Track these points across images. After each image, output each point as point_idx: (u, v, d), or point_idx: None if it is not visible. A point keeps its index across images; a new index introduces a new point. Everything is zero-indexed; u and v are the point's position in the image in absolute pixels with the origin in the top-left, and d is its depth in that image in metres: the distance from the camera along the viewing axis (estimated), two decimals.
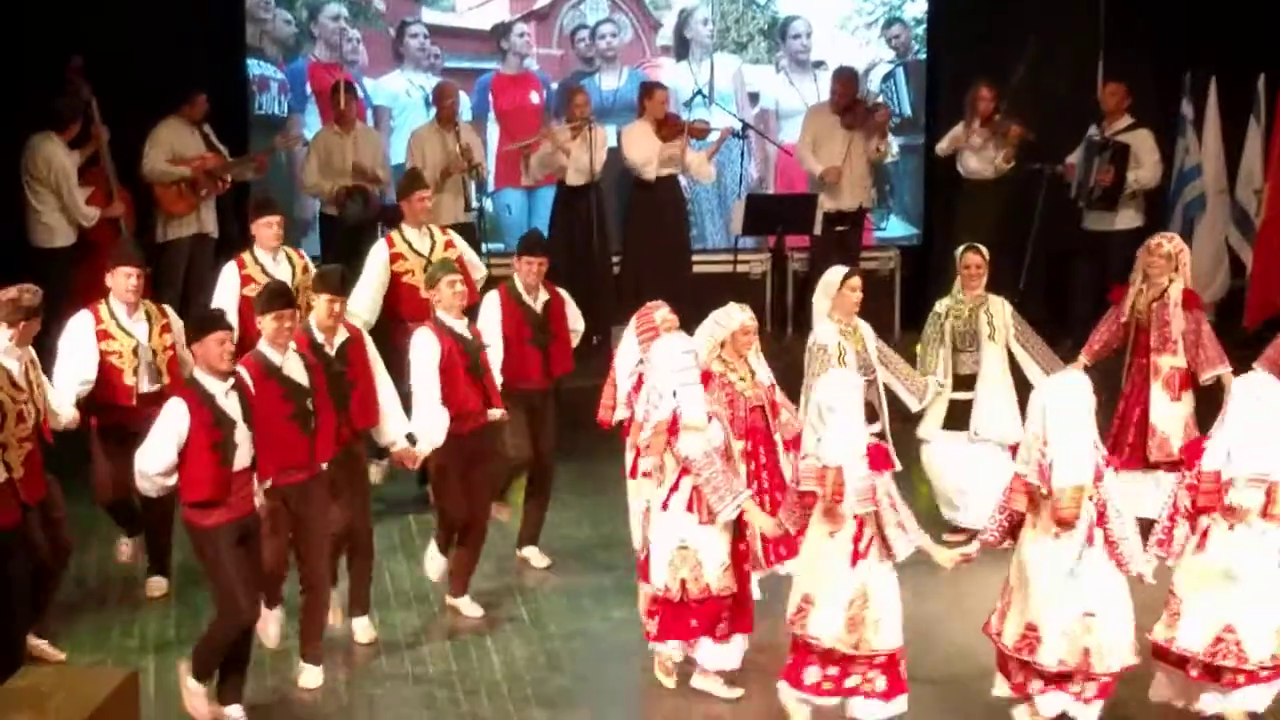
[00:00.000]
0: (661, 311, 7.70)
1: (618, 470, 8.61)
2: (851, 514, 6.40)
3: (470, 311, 8.21)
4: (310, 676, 7.42)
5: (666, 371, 7.07)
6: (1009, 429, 8.54)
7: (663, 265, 11.76)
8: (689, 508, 7.04)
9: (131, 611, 8.12)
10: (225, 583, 6.85)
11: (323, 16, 12.57)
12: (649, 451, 7.13)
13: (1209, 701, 6.81)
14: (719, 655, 7.09)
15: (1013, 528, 6.60)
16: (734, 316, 7.79)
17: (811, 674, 6.70)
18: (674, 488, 7.05)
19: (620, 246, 11.83)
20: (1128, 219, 10.93)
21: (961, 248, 8.86)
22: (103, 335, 8.01)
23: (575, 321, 8.94)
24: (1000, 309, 8.82)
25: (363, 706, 7.42)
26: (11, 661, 7.19)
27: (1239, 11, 12.04)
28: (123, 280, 7.89)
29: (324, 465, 7.35)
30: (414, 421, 7.76)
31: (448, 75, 12.50)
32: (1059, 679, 6.61)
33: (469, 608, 8.28)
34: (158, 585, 8.48)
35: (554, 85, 12.49)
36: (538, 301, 8.38)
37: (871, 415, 8.21)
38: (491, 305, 8.42)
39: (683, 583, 6.97)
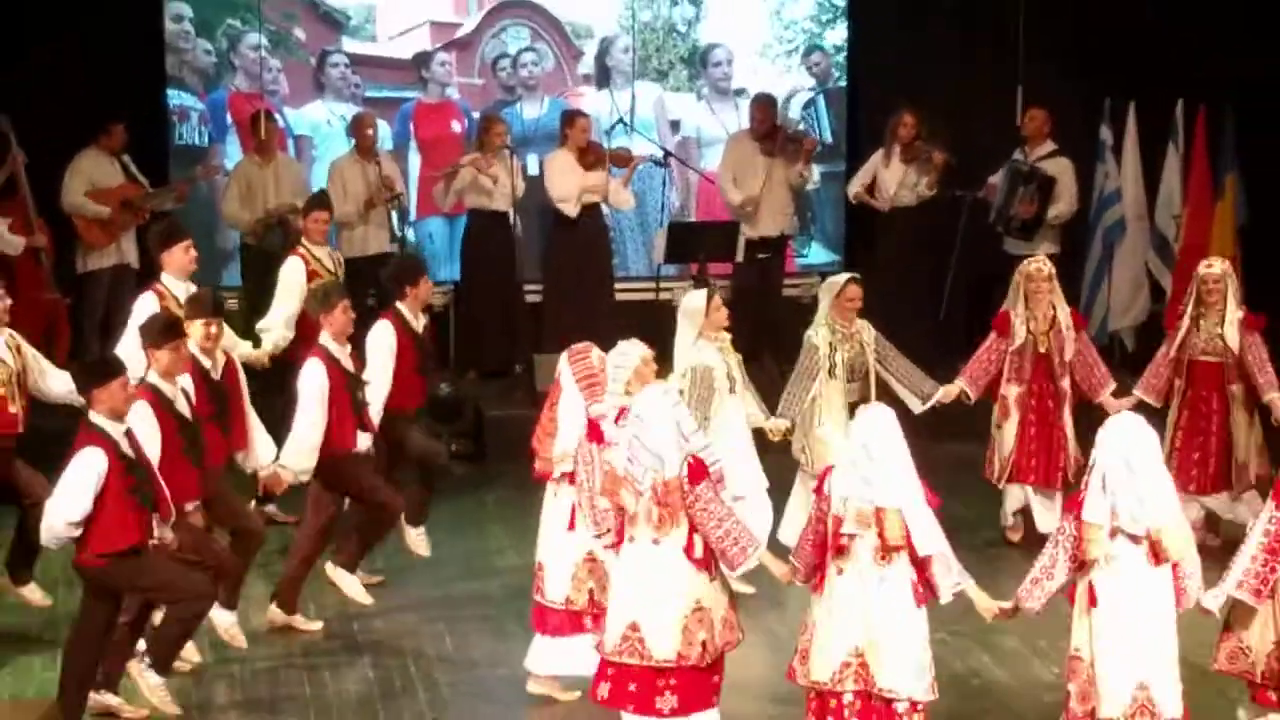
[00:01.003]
0: (619, 357, 7.79)
1: (542, 500, 8.57)
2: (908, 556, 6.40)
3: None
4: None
5: (666, 427, 6.92)
6: None
7: (585, 294, 11.83)
8: (706, 566, 6.88)
9: (53, 645, 8.06)
10: (164, 582, 7.07)
11: (243, 46, 12.62)
12: (666, 509, 6.89)
13: None
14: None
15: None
16: (631, 353, 7.65)
17: None
18: (689, 547, 6.88)
19: (542, 274, 12.03)
20: (1047, 245, 11.12)
21: (844, 278, 8.94)
22: None
23: None
24: (867, 332, 8.94)
25: None
26: None
27: (1157, 39, 12.35)
28: None
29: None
30: (286, 448, 7.88)
31: (369, 104, 12.55)
32: None
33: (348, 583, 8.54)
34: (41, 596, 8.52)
35: (475, 114, 12.62)
36: (420, 326, 8.72)
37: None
38: (384, 334, 8.67)
39: (704, 645, 6.82)
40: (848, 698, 6.38)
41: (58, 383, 7.94)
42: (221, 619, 7.89)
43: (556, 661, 7.56)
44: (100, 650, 7.00)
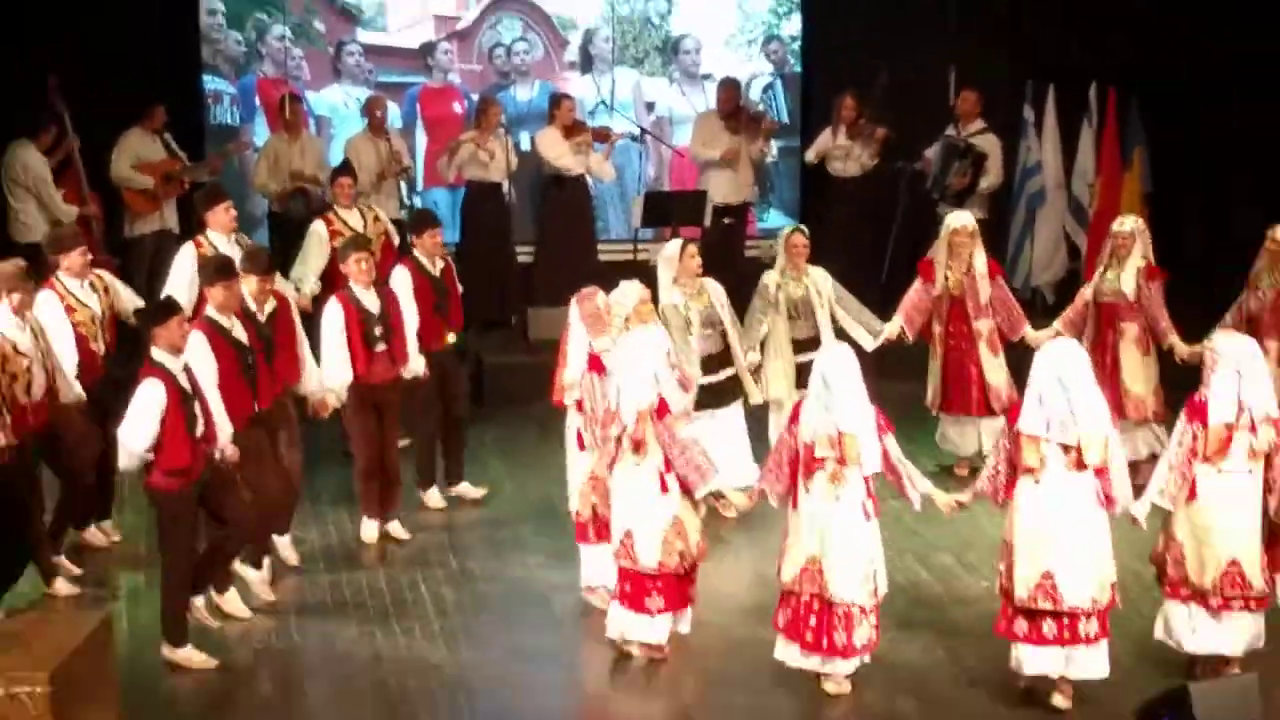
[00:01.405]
0: (620, 295, 8.36)
1: (536, 437, 9.26)
2: (862, 476, 6.90)
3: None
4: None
5: (646, 361, 7.46)
6: None
7: (571, 254, 12.43)
8: (676, 487, 7.52)
9: (97, 563, 8.80)
10: (221, 503, 7.62)
11: (269, 37, 13.44)
12: (637, 433, 7.42)
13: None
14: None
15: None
16: (630, 292, 8.08)
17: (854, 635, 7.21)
18: (667, 468, 7.45)
19: (535, 238, 12.70)
20: (976, 211, 11.62)
21: (788, 229, 9.49)
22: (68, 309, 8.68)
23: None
24: (823, 280, 9.33)
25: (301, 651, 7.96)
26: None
27: (1072, 29, 13.12)
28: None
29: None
30: (323, 374, 8.54)
31: (380, 88, 13.39)
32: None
33: (368, 530, 9.12)
34: (103, 532, 9.12)
35: (474, 96, 13.28)
36: (437, 269, 9.19)
37: (717, 364, 9.23)
38: (402, 276, 9.24)
39: (680, 555, 7.32)
40: (805, 598, 6.94)
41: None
42: (284, 546, 8.72)
43: (587, 572, 8.12)
44: (187, 564, 7.61)
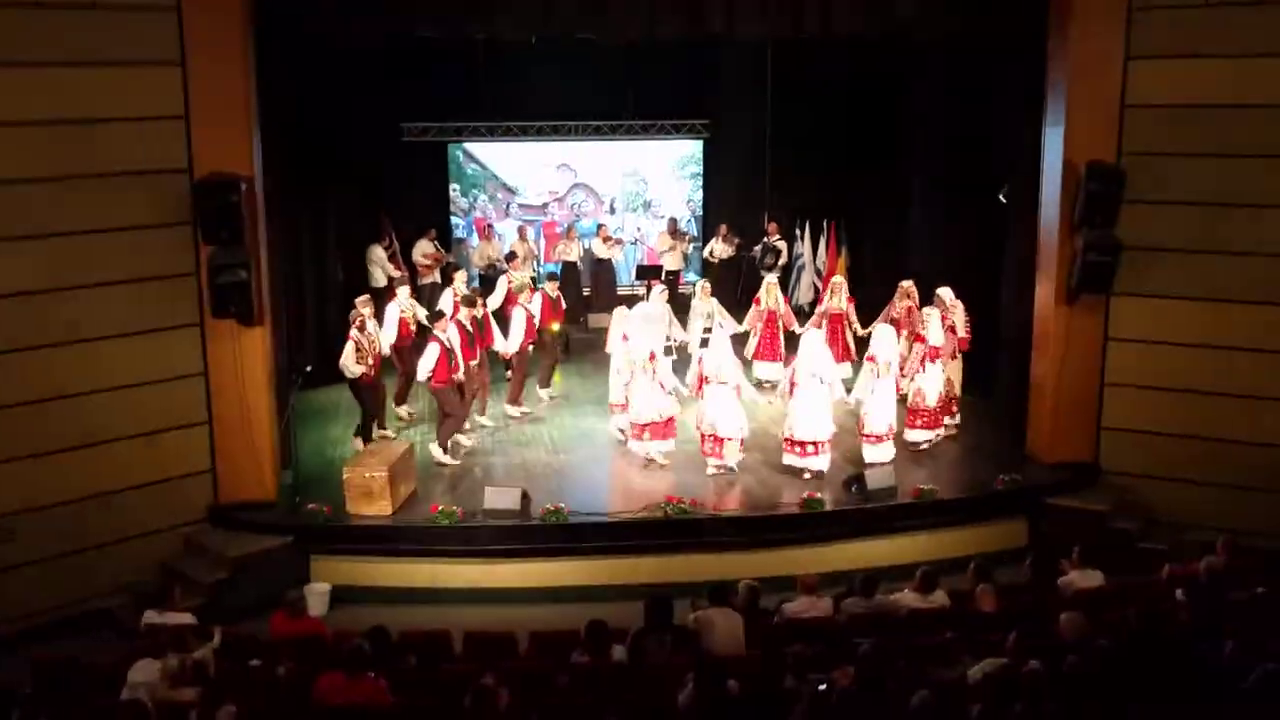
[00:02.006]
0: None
1: (592, 369, 16.15)
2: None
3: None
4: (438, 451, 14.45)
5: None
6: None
7: (605, 290, 19.31)
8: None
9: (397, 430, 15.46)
10: (453, 402, 14.16)
11: (478, 201, 20.20)
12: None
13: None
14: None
15: None
16: (654, 300, 16.08)
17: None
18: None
19: (590, 283, 19.66)
20: (777, 273, 18.55)
21: (701, 280, 16.47)
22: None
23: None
24: (715, 303, 15.32)
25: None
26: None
27: (820, 188, 18.71)
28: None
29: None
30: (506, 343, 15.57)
31: (525, 222, 20.16)
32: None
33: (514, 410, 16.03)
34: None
35: (564, 224, 20.19)
36: (554, 295, 15.67)
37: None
38: (538, 299, 15.59)
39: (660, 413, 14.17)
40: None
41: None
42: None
43: (615, 423, 14.65)
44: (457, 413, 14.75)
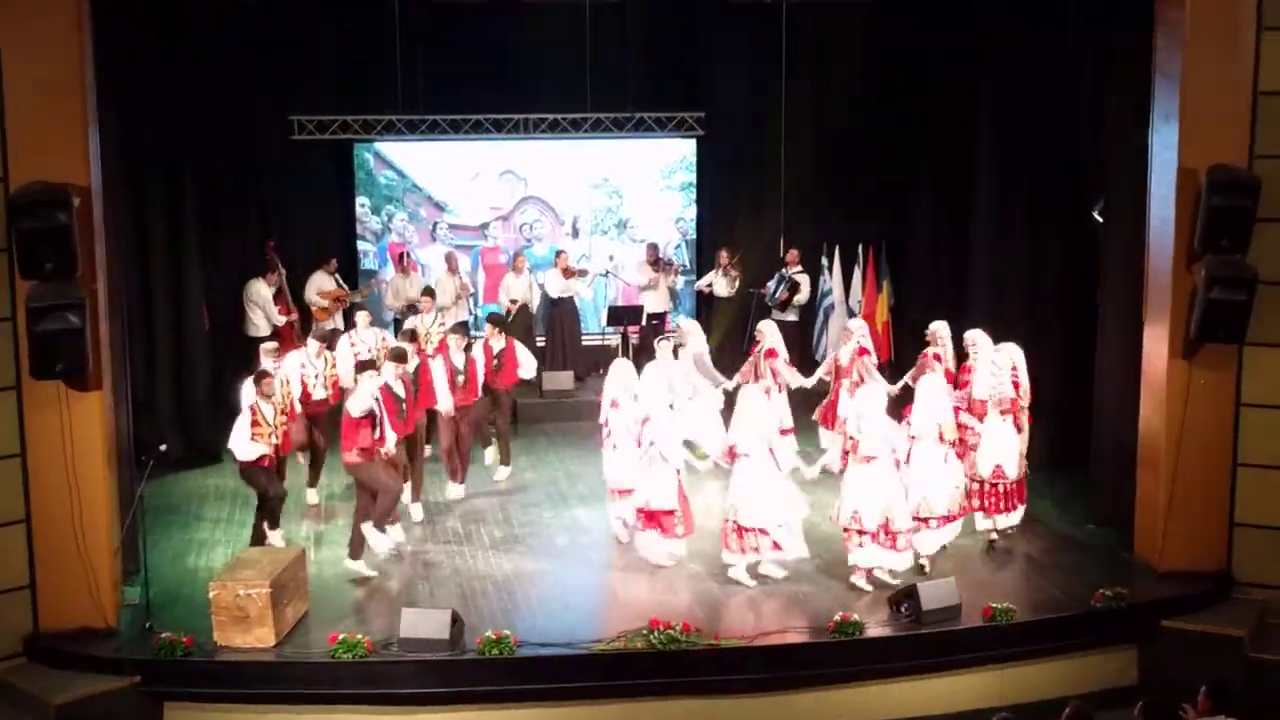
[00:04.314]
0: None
1: (544, 443, 17.04)
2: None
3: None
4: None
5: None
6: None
7: (566, 340, 19.09)
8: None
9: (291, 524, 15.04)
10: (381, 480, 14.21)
11: (394, 221, 19.98)
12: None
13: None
14: None
15: None
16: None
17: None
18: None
19: (545, 332, 19.61)
20: (791, 315, 18.95)
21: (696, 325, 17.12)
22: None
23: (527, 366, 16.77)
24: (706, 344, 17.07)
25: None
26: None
27: (850, 208, 19.37)
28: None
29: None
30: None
31: (456, 248, 19.93)
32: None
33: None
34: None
35: (511, 251, 20.05)
36: (496, 349, 16.21)
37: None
38: (478, 349, 16.09)
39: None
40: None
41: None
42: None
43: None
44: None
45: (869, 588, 12.45)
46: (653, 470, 12.68)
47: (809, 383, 15.39)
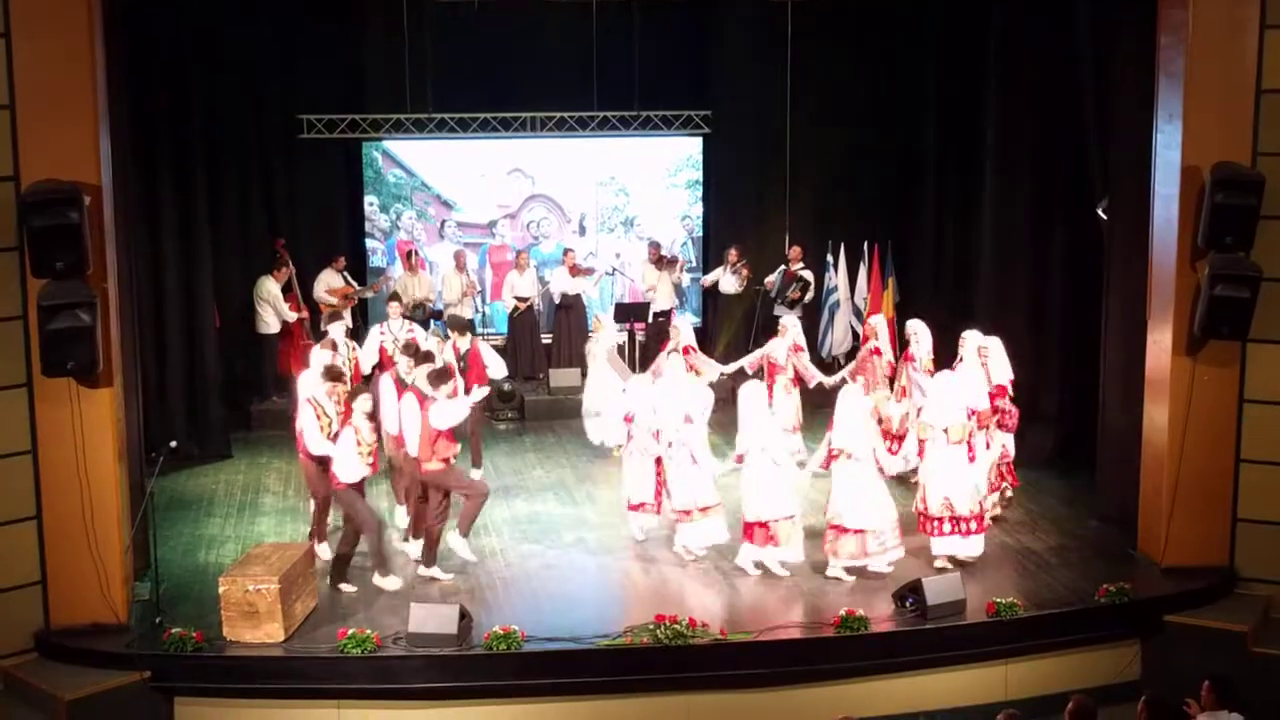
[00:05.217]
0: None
1: (553, 441, 17.10)
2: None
3: None
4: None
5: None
6: None
7: (573, 338, 19.14)
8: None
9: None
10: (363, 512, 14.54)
11: (403, 219, 20.07)
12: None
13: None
14: None
15: None
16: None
17: None
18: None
19: (552, 330, 19.79)
20: (798, 312, 18.80)
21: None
22: None
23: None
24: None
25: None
26: None
27: (854, 204, 19.41)
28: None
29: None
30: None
31: (465, 246, 20.09)
32: None
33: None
34: None
35: (518, 249, 20.06)
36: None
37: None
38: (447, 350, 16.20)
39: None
40: None
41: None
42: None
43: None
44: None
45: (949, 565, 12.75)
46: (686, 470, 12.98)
47: (831, 380, 15.13)
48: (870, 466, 13.19)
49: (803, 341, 15.96)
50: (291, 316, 17.76)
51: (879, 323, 15.79)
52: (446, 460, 12.59)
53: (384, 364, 14.28)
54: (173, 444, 12.73)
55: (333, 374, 13.09)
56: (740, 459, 13.24)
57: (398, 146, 19.59)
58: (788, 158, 19.27)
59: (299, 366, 14.92)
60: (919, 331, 15.10)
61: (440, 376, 12.84)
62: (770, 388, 14.65)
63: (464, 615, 12.00)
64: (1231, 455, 13.23)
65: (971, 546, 13.02)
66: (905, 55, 18.71)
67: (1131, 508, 13.87)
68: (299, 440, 13.12)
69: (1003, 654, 12.37)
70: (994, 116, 16.79)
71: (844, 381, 14.71)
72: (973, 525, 13.05)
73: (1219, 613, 12.88)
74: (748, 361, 15.79)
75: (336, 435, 12.51)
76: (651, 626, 12.02)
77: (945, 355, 14.77)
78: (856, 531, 13.03)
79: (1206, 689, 9.95)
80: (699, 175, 20.25)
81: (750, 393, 13.31)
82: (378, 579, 12.64)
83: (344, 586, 12.63)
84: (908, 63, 18.71)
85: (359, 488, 12.60)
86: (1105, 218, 14.64)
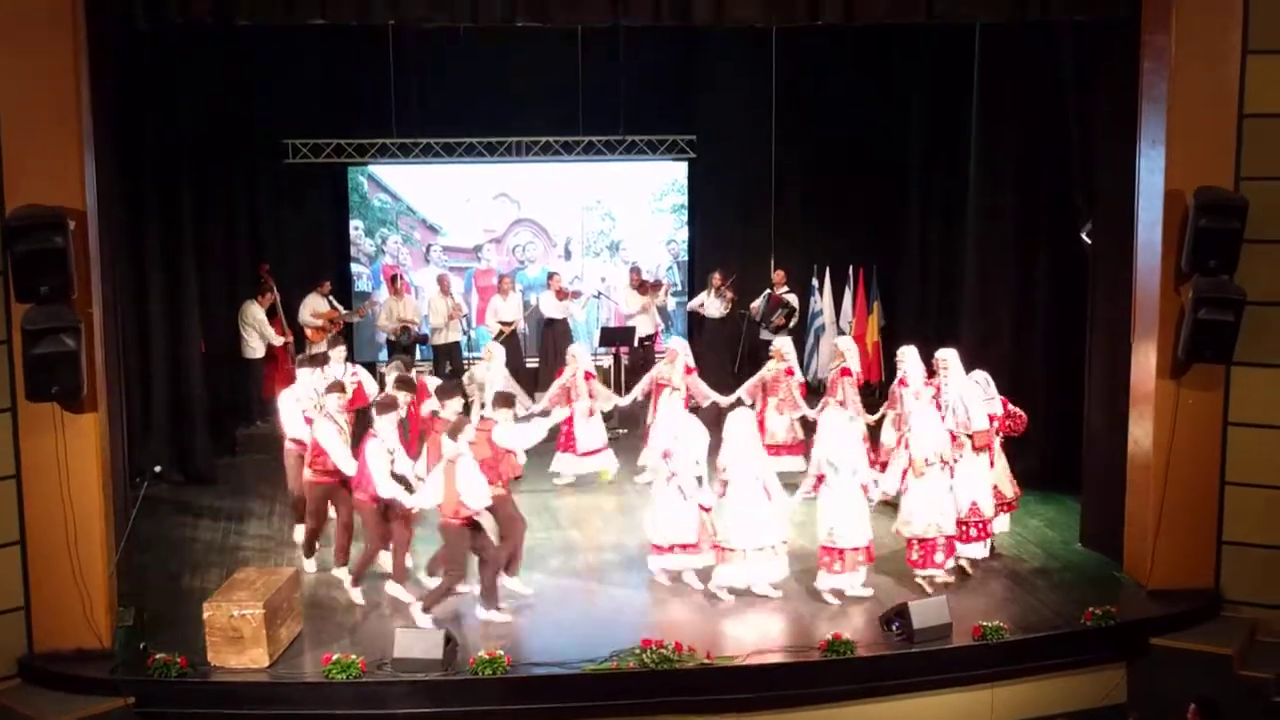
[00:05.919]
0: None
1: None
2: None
3: None
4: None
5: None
6: None
7: (559, 361, 18.24)
8: None
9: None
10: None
11: (388, 243, 20.12)
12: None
13: None
14: None
15: None
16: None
17: None
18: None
19: (538, 353, 19.77)
20: (784, 334, 18.58)
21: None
22: None
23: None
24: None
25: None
26: None
27: (838, 233, 19.55)
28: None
29: None
30: None
31: (450, 270, 20.07)
32: None
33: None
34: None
35: (502, 273, 20.03)
36: None
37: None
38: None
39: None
40: None
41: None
42: None
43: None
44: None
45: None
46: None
47: (814, 413, 15.06)
48: (855, 487, 13.07)
49: (797, 367, 15.87)
50: (277, 340, 17.79)
51: (845, 343, 15.61)
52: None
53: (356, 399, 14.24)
54: (157, 468, 12.82)
55: (405, 384, 13.47)
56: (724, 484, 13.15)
57: (383, 171, 19.62)
58: (772, 182, 19.46)
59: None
60: (908, 358, 14.96)
61: (404, 384, 13.51)
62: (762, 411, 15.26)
63: (449, 640, 11.93)
64: (1216, 478, 13.24)
65: (975, 550, 13.18)
66: (890, 81, 18.93)
67: (1117, 531, 13.91)
68: (361, 470, 12.46)
69: (989, 677, 12.35)
70: (978, 142, 16.82)
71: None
72: (973, 531, 13.13)
73: (1205, 636, 12.88)
74: (744, 392, 15.72)
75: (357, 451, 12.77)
76: (638, 651, 11.95)
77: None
78: (853, 550, 12.98)
79: (1192, 712, 10.01)
80: (684, 200, 20.32)
81: (738, 420, 13.19)
82: (414, 607, 12.42)
83: (490, 614, 12.32)
84: (892, 89, 18.93)
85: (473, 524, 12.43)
86: (1089, 242, 14.71)
